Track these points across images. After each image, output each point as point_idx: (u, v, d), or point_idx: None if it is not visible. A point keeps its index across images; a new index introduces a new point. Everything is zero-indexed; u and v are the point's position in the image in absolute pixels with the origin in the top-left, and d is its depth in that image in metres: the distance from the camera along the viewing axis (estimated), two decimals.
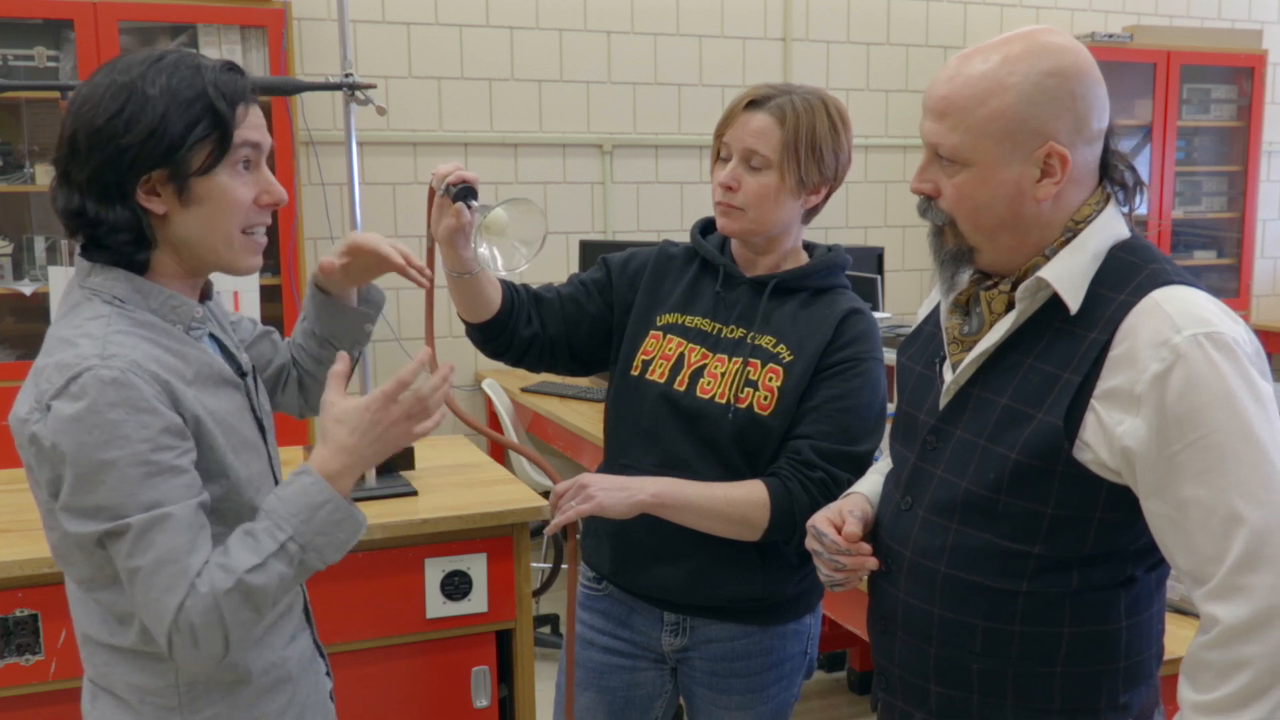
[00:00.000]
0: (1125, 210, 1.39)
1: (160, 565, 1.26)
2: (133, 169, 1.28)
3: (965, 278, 1.45)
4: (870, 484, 1.63)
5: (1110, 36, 5.25)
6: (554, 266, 4.61)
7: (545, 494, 3.53)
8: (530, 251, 1.60)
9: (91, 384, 1.23)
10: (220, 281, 1.60)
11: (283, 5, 3.96)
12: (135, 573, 1.26)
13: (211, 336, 1.45)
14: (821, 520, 1.53)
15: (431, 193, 1.69)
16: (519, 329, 1.85)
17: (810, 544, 1.54)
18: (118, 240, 1.31)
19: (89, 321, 1.30)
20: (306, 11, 4.30)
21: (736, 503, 1.73)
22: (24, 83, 3.74)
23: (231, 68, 1.35)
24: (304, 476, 1.34)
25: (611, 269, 1.95)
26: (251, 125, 1.34)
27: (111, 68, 1.32)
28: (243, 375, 1.47)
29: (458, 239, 1.68)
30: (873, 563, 1.48)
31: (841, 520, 1.51)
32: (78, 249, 1.36)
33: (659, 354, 1.84)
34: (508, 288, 1.85)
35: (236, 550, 1.30)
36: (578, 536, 2.28)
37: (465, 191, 1.62)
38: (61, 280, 2.48)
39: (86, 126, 1.29)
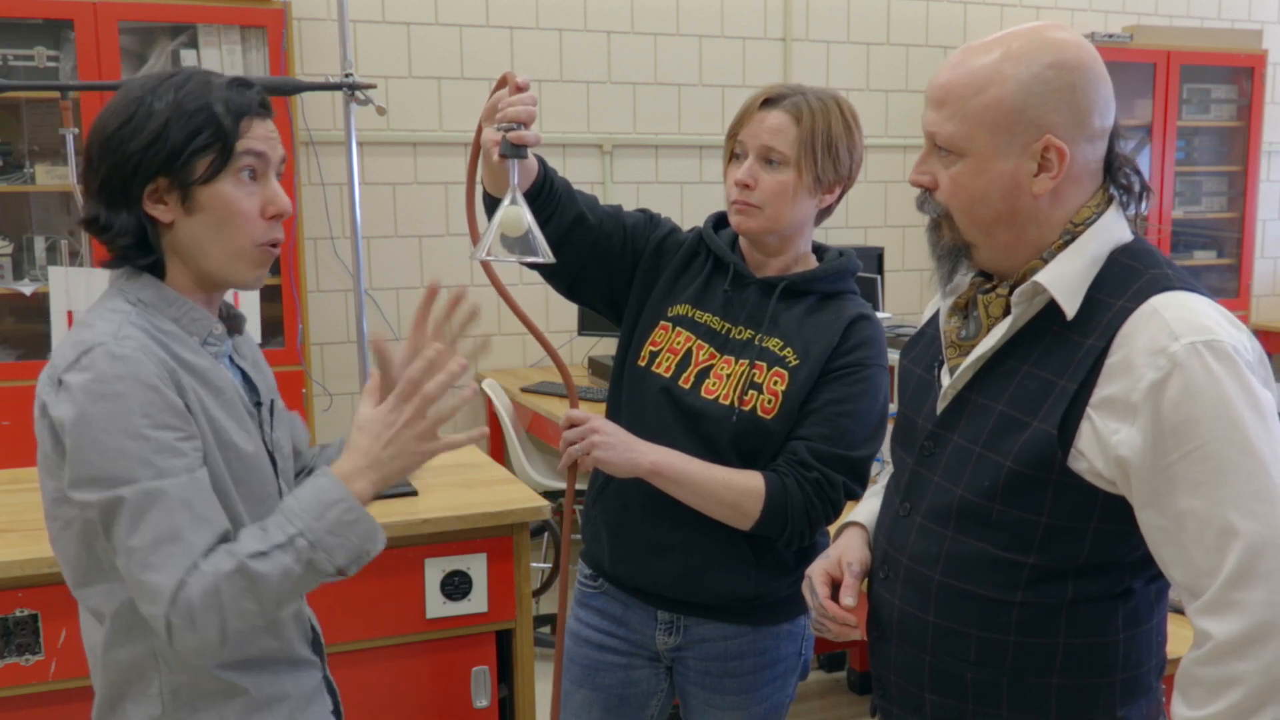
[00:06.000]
0: (1129, 213, 1.37)
1: (158, 544, 1.27)
2: (137, 175, 1.33)
3: (965, 279, 1.44)
4: (868, 512, 1.62)
5: (1110, 36, 5.25)
6: None
7: (545, 494, 3.53)
8: (543, 241, 1.58)
9: (101, 357, 1.28)
10: None
11: (283, 5, 3.96)
12: (132, 552, 1.27)
13: (233, 364, 1.47)
14: (818, 574, 1.52)
15: (480, 129, 1.65)
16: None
17: (805, 591, 1.54)
18: (122, 244, 1.36)
19: (110, 311, 1.35)
20: (306, 11, 4.30)
21: (733, 488, 1.74)
22: (24, 83, 3.73)
23: (241, 83, 1.39)
24: (320, 477, 1.36)
25: (655, 227, 1.92)
26: (257, 136, 1.37)
27: (128, 87, 1.38)
28: (258, 405, 1.48)
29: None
30: (856, 634, 1.48)
31: (840, 572, 1.50)
32: (103, 264, 1.42)
33: (666, 346, 1.84)
34: (553, 203, 1.78)
35: (245, 538, 1.32)
36: (574, 536, 2.28)
37: (518, 151, 1.58)
38: (61, 280, 2.48)
39: (99, 136, 1.35)
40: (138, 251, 1.36)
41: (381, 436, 1.37)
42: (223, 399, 1.39)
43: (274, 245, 1.41)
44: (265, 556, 1.30)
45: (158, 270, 1.39)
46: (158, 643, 1.37)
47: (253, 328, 3.01)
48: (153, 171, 1.33)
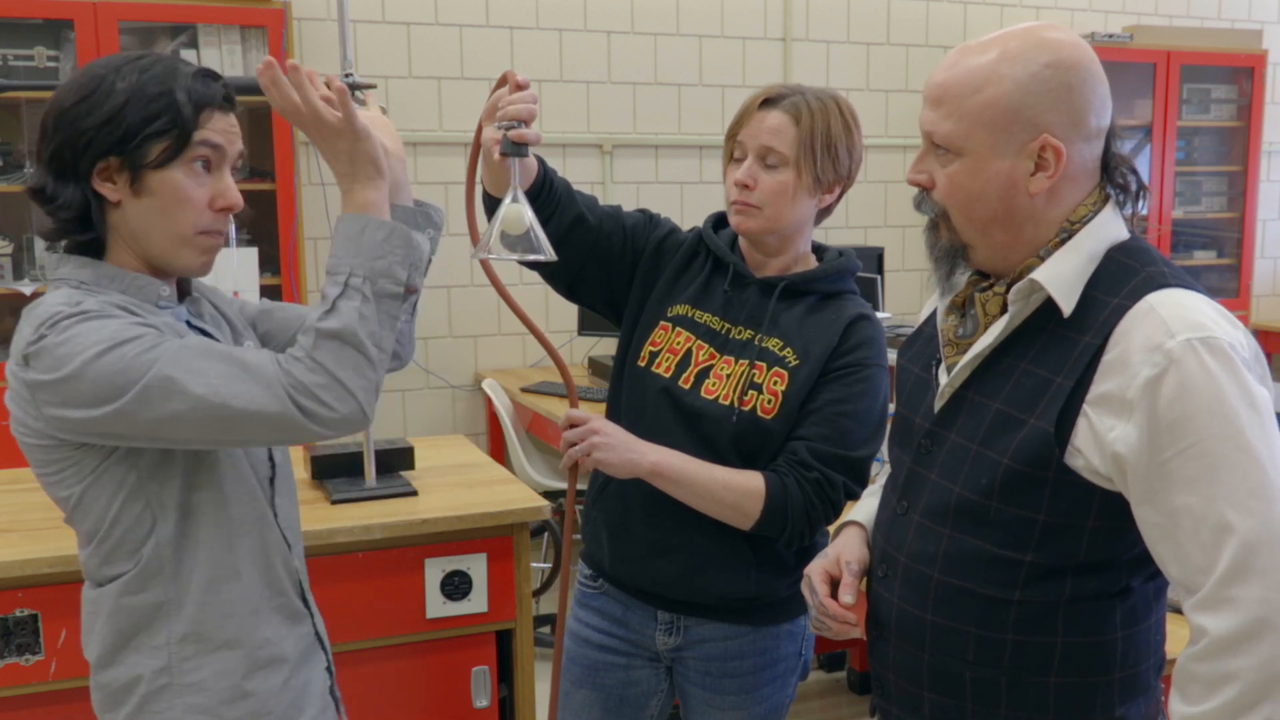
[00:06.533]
0: (1126, 212, 1.37)
1: (227, 379, 1.29)
2: (88, 151, 1.34)
3: (962, 278, 1.44)
4: (866, 511, 1.62)
5: (1110, 36, 5.25)
6: None
7: (545, 494, 3.54)
8: (545, 240, 1.58)
9: (64, 320, 1.29)
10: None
11: (283, 5, 3.96)
12: (202, 402, 1.28)
13: (193, 327, 1.47)
14: (817, 572, 1.52)
15: (481, 127, 1.64)
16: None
17: (803, 589, 1.54)
18: (64, 218, 1.36)
19: (58, 295, 1.36)
20: (306, 11, 4.30)
21: (733, 488, 1.74)
22: (24, 83, 3.74)
23: (207, 74, 1.39)
24: (337, 222, 1.39)
25: (654, 227, 1.91)
26: (216, 129, 1.38)
27: (94, 63, 1.38)
28: None
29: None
30: (856, 631, 1.48)
31: (839, 571, 1.51)
32: (41, 236, 1.45)
33: (666, 347, 1.84)
34: (554, 203, 1.78)
35: (310, 312, 1.36)
36: (574, 536, 2.28)
37: (519, 149, 1.57)
38: None
39: (56, 108, 1.36)
40: (78, 226, 1.37)
41: (332, 148, 1.39)
42: None
43: (218, 234, 1.42)
44: (332, 312, 1.33)
45: (96, 248, 1.39)
46: (171, 589, 1.40)
47: None
48: (104, 150, 1.33)
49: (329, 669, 1.60)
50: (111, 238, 1.39)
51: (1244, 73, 5.60)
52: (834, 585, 1.51)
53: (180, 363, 1.29)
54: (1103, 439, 1.26)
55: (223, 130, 1.39)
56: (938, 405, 1.42)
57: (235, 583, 1.44)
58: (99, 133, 1.33)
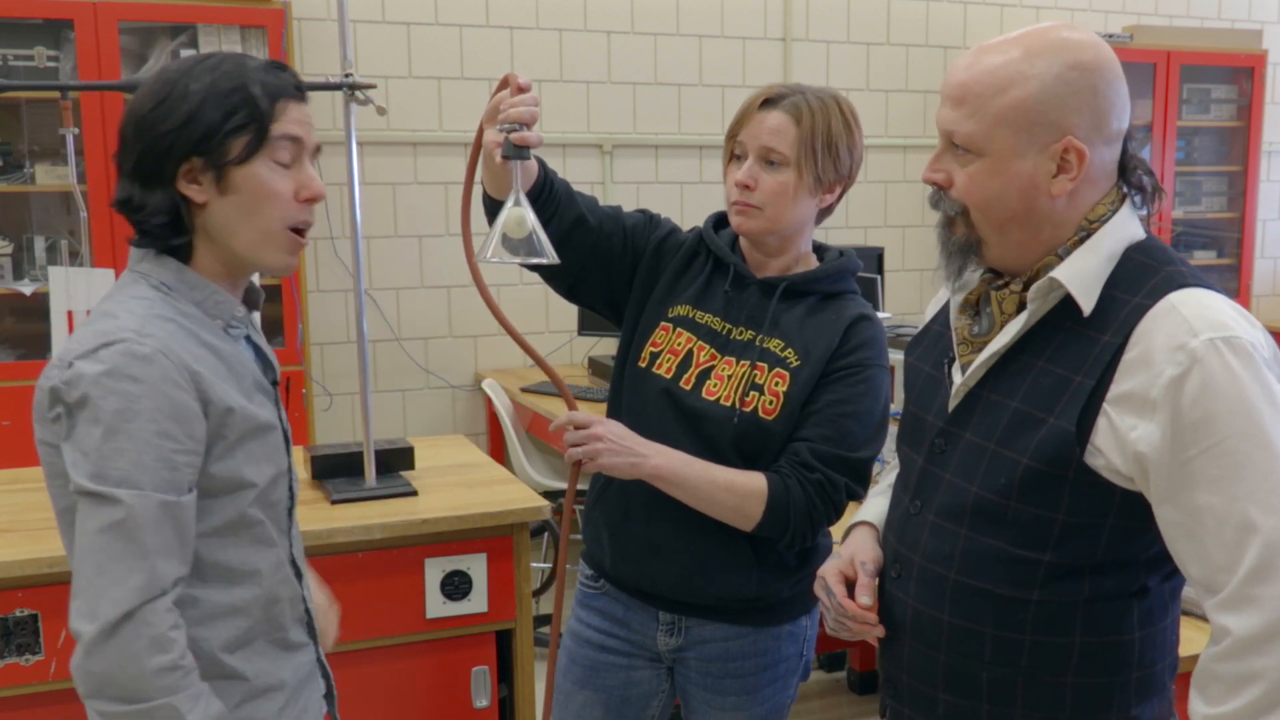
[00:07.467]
0: (1143, 212, 1.37)
1: (125, 552, 1.25)
2: (170, 155, 1.34)
3: (975, 277, 1.43)
4: (876, 511, 1.61)
5: (1110, 36, 5.24)
6: None
7: (545, 494, 3.53)
8: (547, 242, 1.58)
9: (119, 353, 1.27)
10: None
11: (283, 5, 3.96)
12: (95, 549, 1.25)
13: (249, 341, 1.47)
14: (832, 574, 1.51)
15: (483, 128, 1.64)
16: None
17: (818, 591, 1.53)
18: (154, 224, 1.36)
19: (133, 300, 1.34)
20: (306, 11, 4.30)
21: (735, 490, 1.74)
22: (24, 83, 3.73)
23: (277, 66, 1.39)
24: None
25: (655, 228, 1.91)
26: (293, 120, 1.38)
27: (164, 68, 1.39)
28: (274, 384, 1.49)
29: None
30: (878, 631, 1.47)
31: (853, 572, 1.50)
32: (130, 241, 1.42)
33: (667, 348, 1.84)
34: (554, 205, 1.78)
35: (207, 700, 1.32)
36: (575, 537, 2.28)
37: (521, 152, 1.57)
38: (61, 280, 2.48)
39: (134, 117, 1.36)
40: (171, 231, 1.36)
41: None
42: (243, 386, 1.39)
43: (302, 230, 1.41)
44: (195, 702, 1.29)
45: (185, 252, 1.39)
46: None
47: None
48: (187, 151, 1.33)
49: (329, 694, 1.58)
50: (198, 241, 1.39)
51: (1244, 73, 5.60)
52: (849, 586, 1.50)
53: (143, 508, 1.26)
54: (1124, 438, 1.25)
55: (299, 120, 1.39)
56: (952, 404, 1.41)
57: (234, 621, 1.40)
58: (179, 135, 1.33)
